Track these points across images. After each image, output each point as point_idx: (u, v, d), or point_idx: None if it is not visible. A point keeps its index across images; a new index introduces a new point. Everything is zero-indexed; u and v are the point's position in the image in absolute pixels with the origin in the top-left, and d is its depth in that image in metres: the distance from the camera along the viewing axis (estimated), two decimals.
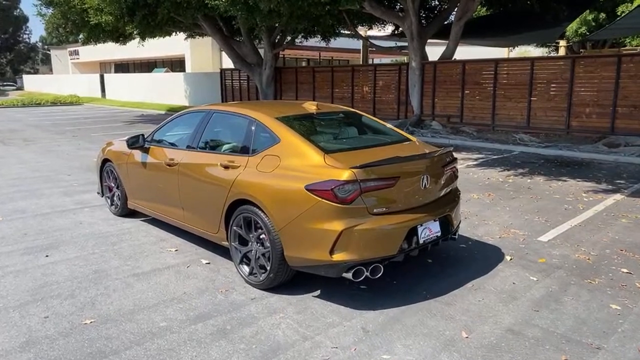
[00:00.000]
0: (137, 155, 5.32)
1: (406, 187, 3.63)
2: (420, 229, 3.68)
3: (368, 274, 3.47)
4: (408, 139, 4.38)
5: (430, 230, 3.77)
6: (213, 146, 4.52)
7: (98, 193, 6.45)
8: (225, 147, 4.40)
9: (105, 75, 34.26)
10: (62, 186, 7.66)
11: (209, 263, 4.45)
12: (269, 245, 3.75)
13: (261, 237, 3.84)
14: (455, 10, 13.89)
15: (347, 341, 3.13)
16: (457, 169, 4.29)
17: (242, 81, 21.48)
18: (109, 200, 6.12)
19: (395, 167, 3.58)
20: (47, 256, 4.64)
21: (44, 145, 12.43)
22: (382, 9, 13.96)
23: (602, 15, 21.55)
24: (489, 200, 6.54)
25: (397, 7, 15.44)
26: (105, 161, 6.03)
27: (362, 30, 19.75)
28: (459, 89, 13.76)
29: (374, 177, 3.45)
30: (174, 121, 5.21)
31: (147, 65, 37.54)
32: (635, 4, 19.08)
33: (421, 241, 3.69)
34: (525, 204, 6.37)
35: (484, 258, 4.54)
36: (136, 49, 24.55)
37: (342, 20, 15.93)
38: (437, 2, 16.28)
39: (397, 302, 3.65)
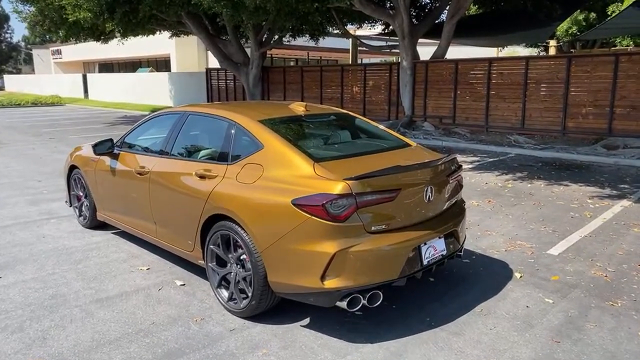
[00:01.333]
0: (106, 161, 4.78)
1: (408, 201, 3.16)
2: (424, 248, 3.21)
3: (365, 302, 3.00)
4: (407, 144, 3.92)
5: (434, 248, 3.30)
6: (188, 152, 4.01)
7: (66, 202, 5.88)
8: (201, 153, 3.89)
9: (88, 75, 33.37)
10: (30, 194, 7.07)
11: (183, 284, 3.94)
12: (250, 267, 3.26)
13: (241, 257, 3.35)
14: (447, 8, 13.51)
15: None
16: (462, 178, 3.84)
17: (228, 81, 20.91)
18: (77, 211, 5.57)
19: (395, 178, 3.11)
20: (0, 278, 4.09)
21: (18, 148, 11.77)
22: (372, 7, 13.52)
23: (593, 15, 21.38)
24: (489, 208, 6.11)
25: (388, 4, 15.02)
26: (72, 168, 5.48)
27: (351, 30, 19.32)
28: (451, 89, 13.37)
29: (371, 190, 2.98)
30: (146, 124, 4.69)
31: (131, 65, 36.69)
32: (625, 4, 18.92)
33: (425, 262, 3.22)
34: (528, 212, 5.95)
35: (490, 275, 4.09)
36: (120, 48, 23.84)
37: (331, 18, 15.47)
38: (427, 0, 15.91)
39: (398, 333, 3.18)
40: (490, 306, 3.55)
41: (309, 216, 2.91)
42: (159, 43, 25.50)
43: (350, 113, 4.43)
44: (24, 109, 26.13)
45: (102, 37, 19.29)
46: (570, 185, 7.33)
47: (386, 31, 17.33)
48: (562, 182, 7.59)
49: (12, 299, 3.69)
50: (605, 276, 4.04)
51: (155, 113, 4.67)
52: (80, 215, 5.51)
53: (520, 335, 3.15)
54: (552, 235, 5.06)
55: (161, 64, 33.48)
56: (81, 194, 5.43)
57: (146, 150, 4.45)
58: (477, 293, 3.76)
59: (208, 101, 22.01)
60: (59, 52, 43.58)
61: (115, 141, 4.75)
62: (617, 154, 9.57)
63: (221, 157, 3.64)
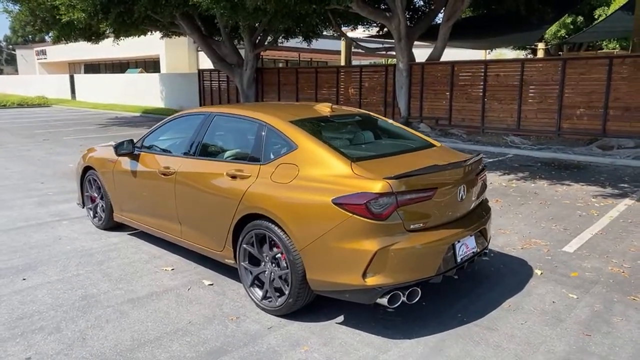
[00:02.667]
0: (126, 162, 4.78)
1: (443, 199, 3.24)
2: (457, 246, 3.29)
3: (404, 298, 3.06)
4: (432, 144, 4.01)
5: (467, 246, 3.39)
6: (216, 153, 4.04)
7: (78, 204, 5.84)
8: (230, 154, 3.92)
9: (76, 76, 32.93)
10: (35, 195, 6.99)
11: (212, 284, 3.96)
12: (286, 265, 3.30)
13: (277, 256, 3.39)
14: (443, 11, 13.68)
15: None
16: (486, 178, 3.93)
17: (221, 82, 20.83)
18: (91, 212, 5.54)
19: (432, 177, 3.19)
20: (24, 279, 4.06)
21: (12, 150, 11.60)
22: (369, 9, 13.62)
23: (580, 18, 21.83)
24: (498, 207, 6.23)
25: (384, 7, 15.14)
26: (87, 169, 5.45)
27: (346, 31, 19.40)
28: (447, 90, 13.54)
29: (410, 189, 3.05)
30: (167, 125, 4.69)
31: (119, 66, 36.30)
32: (612, 9, 19.38)
33: (459, 259, 3.30)
34: (536, 211, 6.08)
35: (512, 273, 4.19)
36: (107, 49, 23.54)
37: (326, 20, 15.54)
38: (423, 3, 16.08)
39: (433, 329, 3.25)
40: (517, 302, 3.64)
41: (351, 215, 2.97)
42: (148, 44, 25.25)
43: (372, 114, 4.50)
44: (10, 110, 25.67)
45: (93, 38, 19.10)
46: (573, 185, 7.51)
47: (381, 33, 17.46)
48: (564, 181, 7.77)
49: (42, 300, 3.67)
50: (623, 272, 4.17)
51: (177, 114, 4.68)
52: (95, 217, 5.48)
53: (552, 330, 3.24)
54: (564, 233, 5.19)
55: (150, 65, 33.18)
56: (96, 195, 5.41)
57: (170, 151, 4.45)
58: (502, 290, 3.85)
59: (200, 102, 21.92)
60: (43, 52, 42.93)
61: (135, 142, 4.75)
62: (612, 154, 9.81)
63: (253, 158, 3.67)
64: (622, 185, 7.53)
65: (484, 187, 3.82)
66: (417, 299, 3.13)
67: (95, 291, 3.84)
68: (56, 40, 18.26)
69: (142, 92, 26.00)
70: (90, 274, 4.18)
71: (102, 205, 5.32)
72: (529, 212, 6.05)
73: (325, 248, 3.06)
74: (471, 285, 3.92)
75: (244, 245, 3.56)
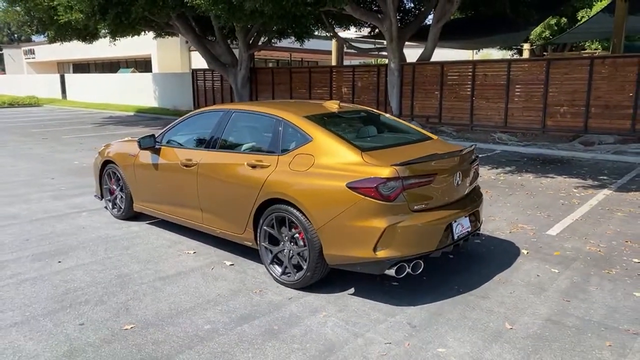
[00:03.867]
0: (146, 156, 5.17)
1: (441, 184, 3.70)
2: (454, 225, 3.76)
3: (409, 270, 3.52)
4: (429, 137, 4.46)
5: (462, 226, 3.85)
6: (236, 146, 4.45)
7: (96, 196, 6.21)
8: (250, 146, 4.34)
9: (67, 76, 32.95)
10: (49, 190, 7.33)
11: (232, 264, 4.38)
12: (302, 244, 3.74)
13: (295, 236, 3.82)
14: (433, 12, 14.20)
15: (397, 337, 3.16)
16: (479, 167, 4.40)
17: (215, 82, 21.15)
18: (110, 204, 5.91)
19: (432, 164, 3.65)
20: (59, 262, 4.44)
21: (14, 148, 11.85)
22: (362, 11, 14.10)
23: (564, 20, 22.56)
24: (488, 197, 6.73)
25: (376, 8, 15.62)
26: (105, 163, 5.82)
27: (337, 32, 19.84)
28: (437, 90, 14.07)
29: (414, 174, 3.50)
30: (185, 122, 5.09)
31: (109, 66, 36.34)
32: (594, 11, 20.10)
33: (455, 237, 3.77)
34: (523, 200, 6.59)
35: (502, 252, 4.67)
36: (98, 48, 23.63)
37: (320, 21, 15.98)
38: (413, 5, 16.58)
39: (433, 298, 3.71)
40: (506, 276, 4.12)
41: (363, 197, 3.41)
42: (139, 43, 25.38)
43: (375, 110, 4.95)
44: (1, 110, 25.69)
45: (88, 38, 19.31)
46: (556, 177, 8.05)
47: (372, 34, 17.95)
48: (548, 174, 8.31)
49: (81, 279, 4.06)
50: (599, 251, 4.68)
51: (194, 112, 5.08)
52: (114, 207, 5.85)
53: (536, 297, 3.72)
54: (548, 219, 5.70)
55: (141, 65, 33.32)
56: (115, 187, 5.78)
57: (191, 144, 4.86)
58: (493, 266, 4.33)
59: (194, 102, 22.21)
60: (31, 51, 42.72)
61: (156, 137, 5.14)
62: (593, 150, 10.40)
63: (271, 149, 4.10)
64: (602, 177, 8.09)
65: (476, 174, 4.29)
66: (420, 270, 3.59)
67: (127, 271, 4.24)
68: (52, 41, 18.42)
69: (135, 91, 26.19)
70: (119, 257, 4.58)
71: (121, 197, 5.69)
72: (516, 201, 6.55)
73: (341, 226, 3.50)
74: (466, 263, 4.39)
75: (265, 227, 3.99)
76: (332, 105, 4.54)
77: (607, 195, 6.85)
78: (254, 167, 4.07)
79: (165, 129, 5.22)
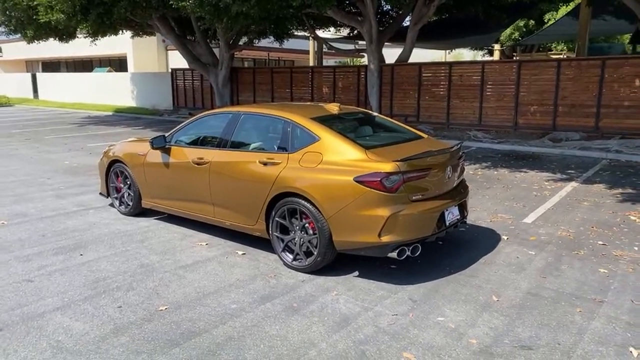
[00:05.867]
0: (156, 155, 5.51)
1: (435, 177, 4.21)
2: (446, 213, 4.27)
3: (409, 252, 4.01)
4: (422, 136, 4.97)
5: (452, 214, 4.38)
6: (247, 145, 4.86)
7: (101, 194, 6.50)
8: (261, 145, 4.76)
9: (38, 75, 32.36)
10: (49, 189, 7.55)
11: (244, 254, 4.79)
12: (312, 232, 4.19)
13: (305, 226, 4.26)
14: (410, 15, 14.81)
15: (402, 309, 3.65)
16: (464, 162, 4.94)
17: (194, 82, 21.31)
18: (116, 201, 6.22)
19: (427, 160, 4.16)
20: (81, 255, 4.76)
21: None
22: (343, 13, 14.60)
23: (532, 22, 23.60)
24: (468, 191, 7.29)
25: (355, 10, 16.14)
26: (112, 163, 6.12)
27: (317, 32, 20.28)
28: (415, 90, 14.69)
29: (412, 169, 4.00)
30: (194, 123, 5.46)
31: (81, 65, 35.80)
32: (560, 14, 21.15)
33: (447, 223, 4.29)
34: (500, 193, 7.20)
35: (485, 239, 5.23)
36: (69, 47, 23.30)
37: (301, 22, 16.39)
38: (391, 8, 17.16)
39: (429, 277, 4.22)
40: (490, 258, 4.66)
41: (369, 189, 3.89)
42: (114, 42, 25.15)
43: (371, 112, 5.44)
44: None
45: (64, 37, 19.21)
46: (529, 172, 8.72)
47: (351, 35, 18.47)
48: (521, 169, 8.98)
49: (107, 269, 4.40)
50: (569, 235, 5.29)
51: (203, 114, 5.46)
52: (121, 204, 6.16)
53: (517, 275, 4.27)
54: (523, 209, 6.31)
55: (115, 64, 32.99)
56: (122, 185, 6.10)
57: (202, 144, 5.23)
58: (478, 250, 4.87)
59: (173, 102, 22.31)
60: None
61: (166, 137, 5.49)
62: (561, 146, 11.18)
63: (281, 148, 4.53)
64: (569, 171, 8.80)
65: (462, 169, 4.83)
66: (418, 253, 4.09)
67: (148, 261, 4.60)
68: (30, 40, 18.25)
69: (111, 91, 26.02)
70: (137, 249, 4.92)
71: (129, 194, 6.01)
72: (494, 194, 7.16)
73: (349, 215, 3.97)
74: (455, 249, 4.93)
75: (277, 218, 4.42)
76: (333, 108, 4.99)
77: (575, 187, 7.53)
78: (265, 164, 4.49)
79: (174, 129, 5.57)
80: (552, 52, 25.61)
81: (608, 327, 3.39)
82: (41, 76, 32.03)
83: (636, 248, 4.89)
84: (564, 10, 20.10)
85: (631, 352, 3.09)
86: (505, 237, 5.24)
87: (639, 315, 3.55)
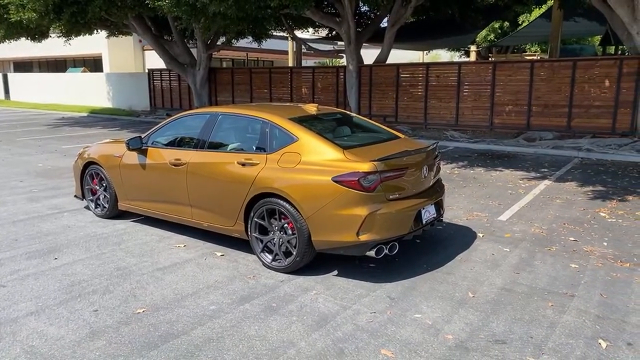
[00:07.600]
0: (133, 157, 5.45)
1: (412, 176, 4.27)
2: (423, 212, 4.34)
3: (387, 251, 4.06)
4: (398, 136, 5.03)
5: (429, 212, 4.44)
6: (224, 146, 4.84)
7: (76, 196, 6.39)
8: (239, 146, 4.75)
9: (10, 75, 31.53)
10: (22, 192, 7.38)
11: (223, 255, 4.77)
12: (291, 232, 4.20)
13: (284, 226, 4.27)
14: (388, 17, 14.95)
15: (380, 307, 3.69)
16: (440, 162, 5.02)
17: (172, 82, 21.08)
18: (92, 204, 6.12)
19: (404, 160, 4.21)
20: (55, 259, 4.68)
21: None
22: (321, 14, 14.64)
23: (506, 24, 24.06)
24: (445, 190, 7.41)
25: (334, 11, 16.21)
26: (87, 165, 6.02)
27: (296, 33, 20.28)
28: (393, 90, 14.82)
29: (389, 168, 4.05)
30: (171, 124, 5.41)
31: (54, 65, 35.00)
32: (533, 16, 21.61)
33: (424, 222, 4.35)
34: (476, 191, 7.33)
35: (461, 236, 5.32)
36: (42, 46, 22.79)
37: (280, 22, 16.38)
38: (368, 9, 17.29)
39: (406, 275, 4.28)
40: (466, 255, 4.75)
41: (346, 189, 3.92)
42: (88, 42, 24.68)
43: (349, 112, 5.48)
44: None
45: (37, 36, 18.79)
46: (504, 171, 8.90)
47: (330, 35, 18.53)
48: (496, 168, 9.16)
49: (83, 272, 4.34)
50: (542, 232, 5.42)
51: (180, 115, 5.42)
52: (97, 207, 6.07)
53: (492, 271, 4.37)
54: (498, 207, 6.44)
55: (90, 64, 32.37)
56: (97, 187, 6.00)
57: (179, 145, 5.19)
58: (455, 248, 4.95)
59: (150, 102, 22.03)
60: None
61: (142, 138, 5.43)
62: (535, 145, 11.43)
63: (259, 148, 4.53)
64: (543, 170, 9.01)
65: (439, 168, 4.91)
66: (396, 251, 4.14)
67: (125, 264, 4.54)
68: (1, 40, 17.79)
69: (86, 92, 25.55)
70: (113, 252, 4.86)
71: (104, 196, 5.92)
72: (470, 192, 7.28)
73: (327, 215, 3.99)
74: (432, 246, 5.00)
75: (255, 219, 4.42)
76: (311, 108, 5.02)
77: (548, 185, 7.72)
78: (243, 164, 4.48)
79: (150, 130, 5.52)
80: (526, 53, 26.15)
81: (578, 320, 3.49)
82: (13, 76, 31.22)
83: (605, 244, 5.05)
84: (537, 12, 20.56)
85: (600, 344, 3.19)
86: (481, 235, 5.34)
87: (607, 308, 3.67)
